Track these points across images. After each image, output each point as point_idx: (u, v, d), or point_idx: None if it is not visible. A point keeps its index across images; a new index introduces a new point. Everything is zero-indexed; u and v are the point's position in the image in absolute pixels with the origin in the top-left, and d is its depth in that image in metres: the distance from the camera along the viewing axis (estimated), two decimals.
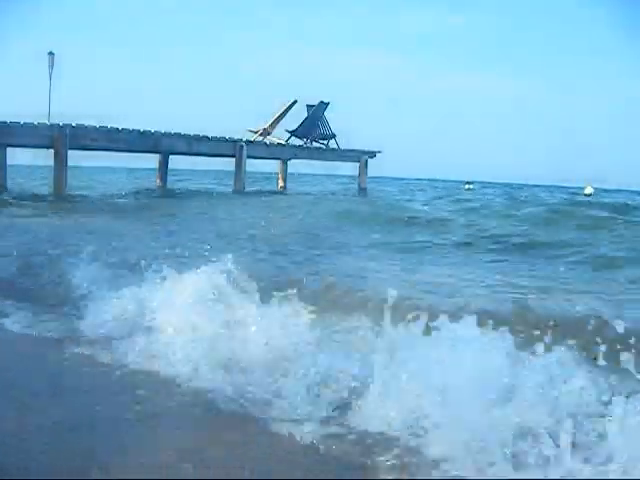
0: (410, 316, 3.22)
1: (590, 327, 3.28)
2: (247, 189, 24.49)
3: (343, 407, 3.06)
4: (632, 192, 46.54)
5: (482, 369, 2.83)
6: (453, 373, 2.80)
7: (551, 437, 2.45)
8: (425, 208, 17.39)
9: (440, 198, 24.22)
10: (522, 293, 5.72)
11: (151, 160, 26.44)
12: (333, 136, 29.79)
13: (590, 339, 3.04)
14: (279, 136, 28.72)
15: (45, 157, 19.62)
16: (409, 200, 21.93)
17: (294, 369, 3.42)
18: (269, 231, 10.45)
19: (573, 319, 4.07)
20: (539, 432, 2.49)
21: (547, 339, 2.91)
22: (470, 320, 3.09)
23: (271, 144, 27.67)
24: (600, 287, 6.46)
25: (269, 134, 28.27)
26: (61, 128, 18.58)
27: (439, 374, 2.85)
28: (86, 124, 19.46)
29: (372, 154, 29.47)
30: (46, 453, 2.56)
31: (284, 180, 29.90)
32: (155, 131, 21.86)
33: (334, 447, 2.70)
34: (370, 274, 6.63)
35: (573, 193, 36.07)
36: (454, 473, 2.44)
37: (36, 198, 18.40)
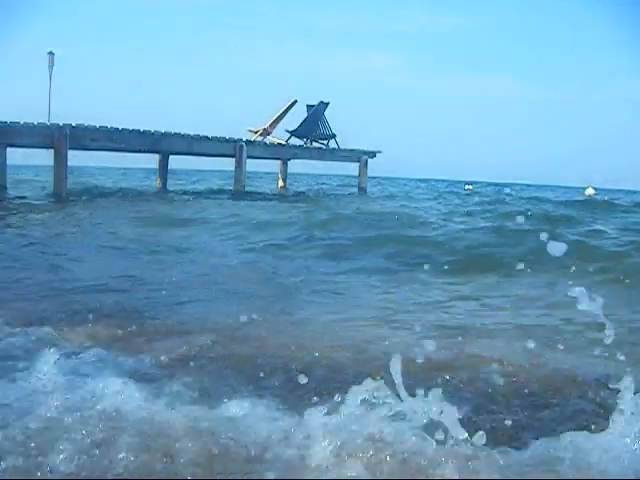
0: None
1: None
2: (247, 189, 24.46)
3: None
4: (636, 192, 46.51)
5: None
6: None
7: None
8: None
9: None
10: None
11: (151, 160, 26.50)
12: (333, 136, 29.77)
13: None
14: (279, 136, 28.73)
15: (46, 157, 19.67)
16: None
17: None
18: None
19: None
20: None
21: None
22: None
23: (271, 144, 27.66)
24: None
25: (269, 134, 28.25)
26: (61, 128, 18.57)
27: None
28: (86, 124, 19.47)
29: (372, 154, 29.46)
30: None
31: (284, 180, 29.93)
32: (155, 131, 21.86)
33: None
34: None
35: (576, 193, 36.12)
36: None
37: (37, 197, 18.47)
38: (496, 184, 56.16)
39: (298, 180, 38.64)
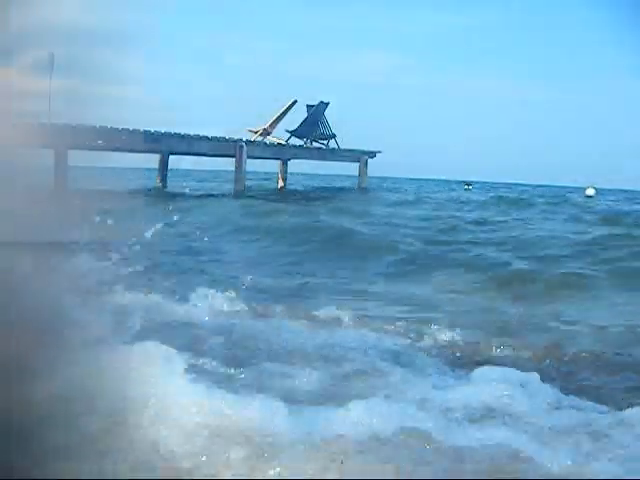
0: None
1: None
2: (247, 189, 24.42)
3: None
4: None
5: None
6: None
7: None
8: None
9: None
10: None
11: (151, 160, 26.46)
12: (333, 136, 29.79)
13: None
14: (279, 136, 28.73)
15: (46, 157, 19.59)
16: None
17: None
18: None
19: None
20: None
21: None
22: None
23: (271, 144, 27.65)
24: None
25: (269, 134, 28.26)
26: (61, 128, 18.52)
27: None
28: (86, 124, 19.44)
29: (372, 154, 29.48)
30: None
31: (284, 180, 29.91)
32: (155, 131, 21.84)
33: None
34: None
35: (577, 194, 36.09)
36: None
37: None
38: (501, 184, 56.31)
39: (297, 180, 38.58)
